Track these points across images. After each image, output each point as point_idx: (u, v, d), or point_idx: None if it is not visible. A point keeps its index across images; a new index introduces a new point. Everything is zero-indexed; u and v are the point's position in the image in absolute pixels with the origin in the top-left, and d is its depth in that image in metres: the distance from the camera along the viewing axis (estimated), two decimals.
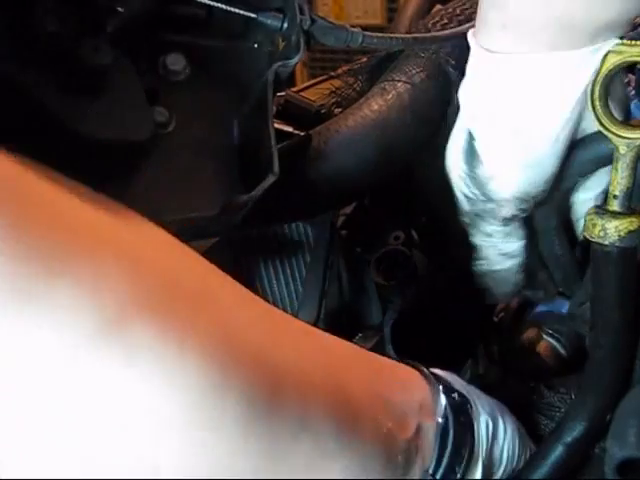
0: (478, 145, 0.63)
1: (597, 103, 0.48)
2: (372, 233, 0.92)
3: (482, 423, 0.52)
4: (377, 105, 0.67)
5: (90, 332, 0.31)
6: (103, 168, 0.51)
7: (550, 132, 0.54)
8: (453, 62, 0.67)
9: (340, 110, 0.75)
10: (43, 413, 0.31)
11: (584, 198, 0.61)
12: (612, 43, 0.47)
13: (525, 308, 0.78)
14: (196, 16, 0.54)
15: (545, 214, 0.59)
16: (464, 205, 0.68)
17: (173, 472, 0.33)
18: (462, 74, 0.64)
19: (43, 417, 0.31)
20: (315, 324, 0.77)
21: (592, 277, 0.52)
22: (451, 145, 0.67)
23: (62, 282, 0.31)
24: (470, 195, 0.66)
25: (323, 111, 0.80)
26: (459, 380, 0.55)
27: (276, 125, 0.52)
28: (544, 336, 0.75)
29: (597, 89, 0.47)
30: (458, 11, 0.72)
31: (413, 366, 0.54)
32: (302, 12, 0.54)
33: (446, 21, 0.71)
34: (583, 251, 0.64)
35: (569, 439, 0.55)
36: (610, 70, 0.46)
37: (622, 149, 0.47)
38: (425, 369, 0.53)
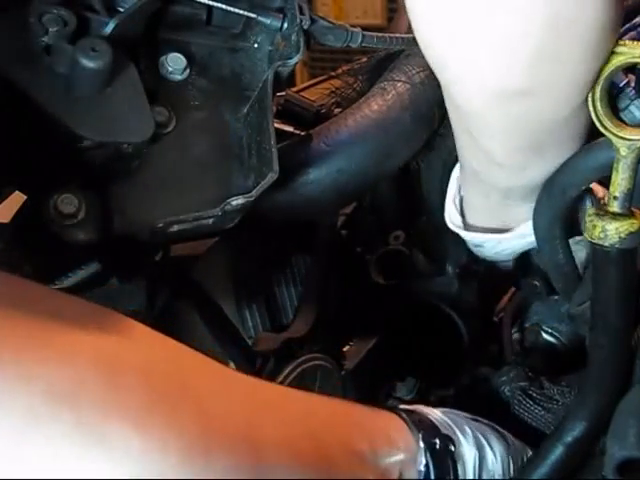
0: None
1: (598, 104, 0.47)
2: (372, 233, 0.92)
3: (468, 459, 0.53)
4: (377, 105, 0.67)
5: (71, 440, 0.33)
6: (104, 169, 0.51)
7: None
8: None
9: (340, 110, 0.75)
10: None
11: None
12: None
13: (524, 308, 0.78)
14: (196, 16, 0.54)
15: (549, 223, 0.58)
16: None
17: None
18: None
19: None
20: (315, 324, 0.77)
21: (592, 278, 0.52)
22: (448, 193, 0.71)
23: (37, 388, 0.33)
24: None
25: (323, 111, 0.80)
26: (440, 415, 0.56)
27: (276, 125, 0.52)
28: (543, 335, 0.75)
29: (598, 90, 0.47)
30: None
31: (395, 411, 0.55)
32: (302, 12, 0.54)
33: None
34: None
35: (569, 439, 0.55)
36: (612, 71, 0.46)
37: (623, 150, 0.47)
38: (405, 415, 0.54)
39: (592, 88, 0.48)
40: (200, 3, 0.53)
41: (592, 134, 0.52)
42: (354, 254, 0.90)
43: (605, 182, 0.52)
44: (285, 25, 0.55)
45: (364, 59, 0.80)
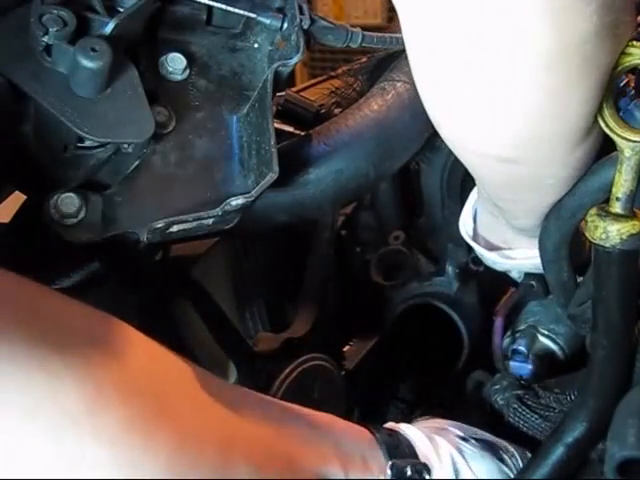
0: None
1: (604, 105, 0.47)
2: (372, 233, 0.92)
3: None
4: (377, 105, 0.67)
5: (46, 463, 0.35)
6: (104, 169, 0.51)
7: None
8: None
9: (340, 110, 0.75)
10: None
11: None
12: None
13: (518, 309, 0.78)
14: (196, 16, 0.54)
15: (556, 245, 0.58)
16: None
17: None
18: None
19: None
20: (315, 324, 0.77)
21: (593, 278, 0.52)
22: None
23: (12, 412, 0.34)
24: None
25: (323, 111, 0.80)
26: (423, 437, 0.56)
27: (276, 125, 0.52)
28: (540, 337, 0.75)
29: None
30: None
31: (373, 432, 0.55)
32: (302, 12, 0.54)
33: None
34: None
35: (570, 439, 0.55)
36: (619, 72, 0.46)
37: (627, 152, 0.47)
38: (381, 438, 0.54)
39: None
40: (200, 3, 0.53)
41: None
42: (354, 254, 0.90)
43: None
44: (285, 25, 0.55)
45: (364, 59, 0.80)
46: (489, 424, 0.64)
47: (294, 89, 0.85)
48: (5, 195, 0.53)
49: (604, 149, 0.52)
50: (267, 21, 0.55)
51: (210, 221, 0.51)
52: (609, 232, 0.48)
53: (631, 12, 0.43)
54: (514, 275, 0.74)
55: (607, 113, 0.47)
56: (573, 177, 0.52)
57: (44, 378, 0.35)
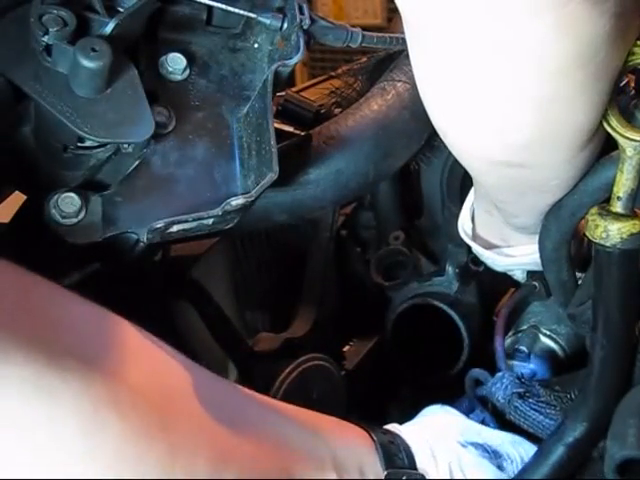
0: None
1: (607, 104, 0.47)
2: (372, 233, 0.92)
3: None
4: (377, 105, 0.67)
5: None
6: (104, 169, 0.51)
7: None
8: None
9: (340, 110, 0.75)
10: None
11: None
12: None
13: (520, 310, 0.77)
14: (196, 16, 0.54)
15: (556, 245, 0.58)
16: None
17: None
18: None
19: None
20: (315, 324, 0.77)
21: (594, 278, 0.52)
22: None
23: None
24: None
25: (323, 111, 0.80)
26: (422, 441, 0.56)
27: (276, 125, 0.52)
28: (541, 337, 0.75)
29: None
30: None
31: (372, 435, 0.55)
32: (302, 12, 0.54)
33: None
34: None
35: (570, 439, 0.55)
36: (623, 71, 0.46)
37: (629, 151, 0.47)
38: (379, 442, 0.54)
39: None
40: (200, 3, 0.53)
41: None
42: (354, 254, 0.90)
43: None
44: (285, 25, 0.55)
45: (364, 59, 0.80)
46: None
47: (294, 89, 0.85)
48: (5, 195, 0.53)
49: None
50: (267, 21, 0.55)
51: (210, 221, 0.51)
52: (609, 231, 0.48)
53: (638, 15, 0.43)
54: (518, 276, 0.74)
55: (610, 112, 0.47)
56: (577, 176, 0.52)
57: (41, 397, 0.35)
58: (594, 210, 0.50)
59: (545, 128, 0.45)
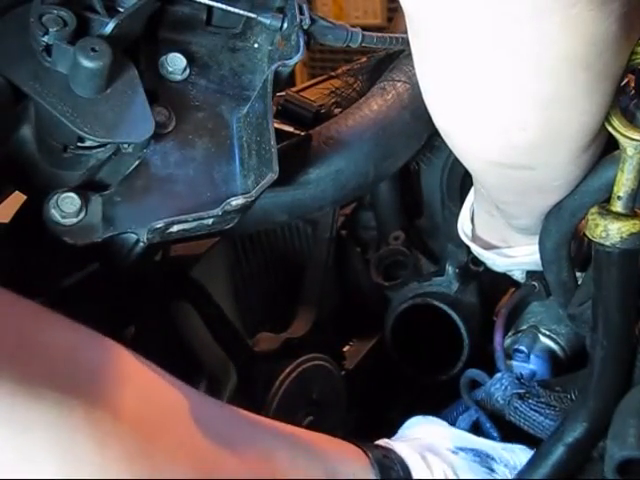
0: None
1: None
2: (372, 233, 0.92)
3: None
4: (377, 105, 0.67)
5: None
6: (104, 169, 0.51)
7: None
8: None
9: (340, 110, 0.75)
10: None
11: None
12: None
13: (519, 310, 0.77)
14: (196, 16, 0.54)
15: (556, 245, 0.58)
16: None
17: None
18: None
19: None
20: (315, 324, 0.77)
21: (593, 278, 0.52)
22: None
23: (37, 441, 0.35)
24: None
25: (323, 111, 0.80)
26: (415, 455, 0.56)
27: (276, 125, 0.52)
28: (541, 337, 0.75)
29: None
30: None
31: (367, 452, 0.55)
32: (302, 12, 0.54)
33: None
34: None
35: (570, 439, 0.55)
36: (625, 70, 0.46)
37: (630, 151, 0.47)
38: (374, 459, 0.54)
39: None
40: (200, 3, 0.53)
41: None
42: (354, 254, 0.90)
43: None
44: (285, 25, 0.55)
45: (364, 59, 0.80)
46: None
47: (294, 89, 0.85)
48: (5, 195, 0.53)
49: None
50: (267, 21, 0.55)
51: (210, 221, 0.51)
52: (609, 230, 0.48)
53: None
54: (517, 276, 0.74)
55: (611, 112, 0.47)
56: (580, 177, 0.52)
57: (12, 426, 0.34)
58: (594, 209, 0.50)
59: (550, 129, 0.45)
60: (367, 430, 0.68)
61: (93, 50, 0.45)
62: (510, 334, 0.77)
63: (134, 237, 0.50)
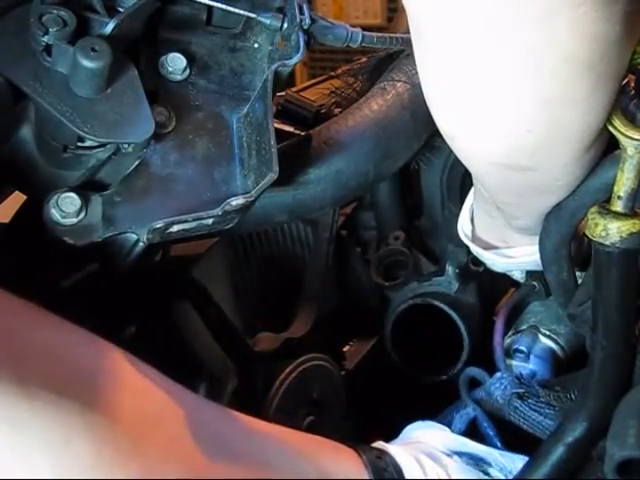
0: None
1: None
2: (372, 233, 0.92)
3: None
4: (377, 105, 0.67)
5: None
6: (104, 169, 0.51)
7: None
8: None
9: (340, 110, 0.75)
10: None
11: None
12: None
13: (519, 310, 0.77)
14: (196, 16, 0.54)
15: (556, 245, 0.58)
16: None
17: None
18: None
19: None
20: (315, 324, 0.77)
21: (593, 277, 0.52)
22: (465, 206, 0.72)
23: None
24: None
25: (323, 111, 0.80)
26: (411, 457, 0.57)
27: (276, 125, 0.52)
28: (541, 337, 0.75)
29: None
30: None
31: (361, 455, 0.55)
32: (302, 12, 0.54)
33: None
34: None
35: (570, 439, 0.55)
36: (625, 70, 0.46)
37: (630, 150, 0.47)
38: (369, 462, 0.54)
39: None
40: (200, 3, 0.53)
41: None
42: (354, 254, 0.90)
43: None
44: (285, 25, 0.55)
45: (364, 59, 0.80)
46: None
47: (294, 89, 0.85)
48: (5, 195, 0.53)
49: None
50: (267, 21, 0.55)
51: (210, 221, 0.51)
52: (609, 230, 0.48)
53: None
54: (516, 276, 0.74)
55: (612, 112, 0.47)
56: (582, 177, 0.52)
57: (10, 431, 0.34)
58: (594, 209, 0.50)
59: (554, 129, 0.45)
60: (367, 430, 0.68)
61: (93, 50, 0.45)
62: (510, 334, 0.77)
63: (134, 237, 0.50)
